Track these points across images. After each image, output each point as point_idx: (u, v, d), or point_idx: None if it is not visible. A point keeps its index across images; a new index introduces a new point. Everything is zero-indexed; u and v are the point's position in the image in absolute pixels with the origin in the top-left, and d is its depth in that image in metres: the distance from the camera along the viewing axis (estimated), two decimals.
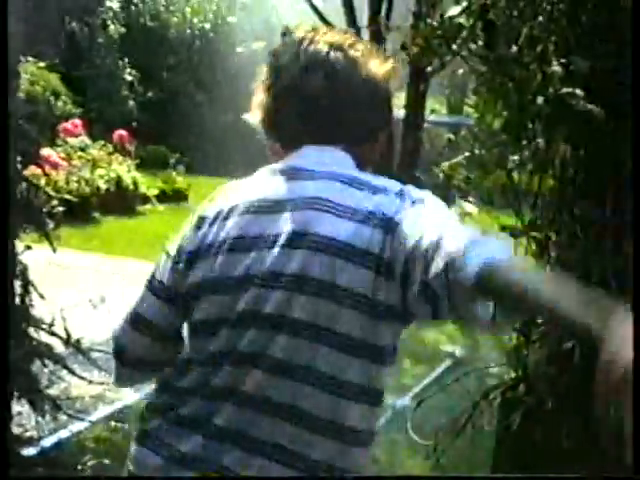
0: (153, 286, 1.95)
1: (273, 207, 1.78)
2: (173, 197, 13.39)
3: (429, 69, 9.01)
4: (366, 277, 1.66)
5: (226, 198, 1.89)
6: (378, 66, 1.89)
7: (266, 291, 1.71)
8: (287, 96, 1.89)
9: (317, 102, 1.84)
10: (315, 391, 1.69)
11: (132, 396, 5.24)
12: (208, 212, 1.89)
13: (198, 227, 1.90)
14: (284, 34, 2.08)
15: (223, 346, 1.76)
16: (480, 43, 3.15)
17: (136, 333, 2.00)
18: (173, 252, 1.95)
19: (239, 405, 1.73)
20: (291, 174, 1.84)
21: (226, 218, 1.83)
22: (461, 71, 3.39)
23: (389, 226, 1.66)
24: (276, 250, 1.72)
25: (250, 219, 1.79)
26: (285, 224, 1.74)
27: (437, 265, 1.51)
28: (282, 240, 1.72)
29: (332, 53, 1.86)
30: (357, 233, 1.67)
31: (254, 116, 2.02)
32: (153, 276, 1.97)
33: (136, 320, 1.98)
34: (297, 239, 1.71)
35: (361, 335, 1.70)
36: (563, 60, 3.01)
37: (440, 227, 1.58)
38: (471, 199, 6.02)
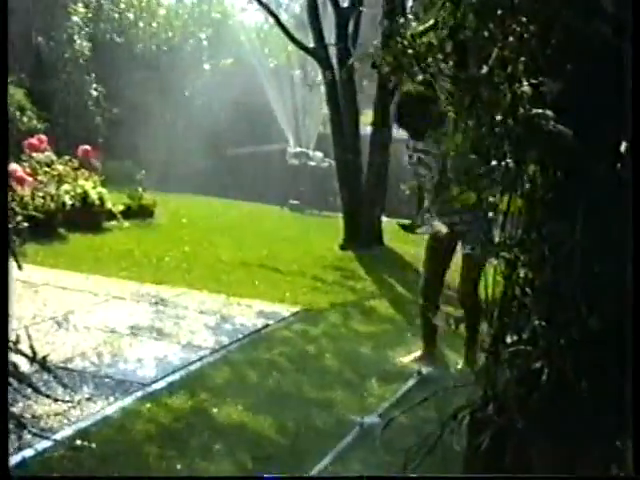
0: None
1: None
2: (139, 213, 13.37)
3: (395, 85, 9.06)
4: None
5: None
6: None
7: None
8: None
9: None
10: None
11: (97, 415, 5.20)
12: None
13: None
14: None
15: None
16: (450, 63, 3.17)
17: None
18: None
19: None
20: None
21: None
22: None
23: None
24: None
25: None
26: None
27: None
28: None
29: None
30: None
31: None
32: None
33: None
34: None
35: None
36: (533, 81, 3.03)
37: None
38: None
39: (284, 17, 20.03)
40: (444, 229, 6.09)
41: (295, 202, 18.82)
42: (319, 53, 12.81)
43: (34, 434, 4.37)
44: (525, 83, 3.05)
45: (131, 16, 22.03)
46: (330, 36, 13.02)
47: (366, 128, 13.16)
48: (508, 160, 3.11)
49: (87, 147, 13.17)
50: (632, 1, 2.91)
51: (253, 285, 9.21)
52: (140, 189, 13.78)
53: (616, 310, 3.00)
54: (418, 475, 3.42)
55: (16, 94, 14.92)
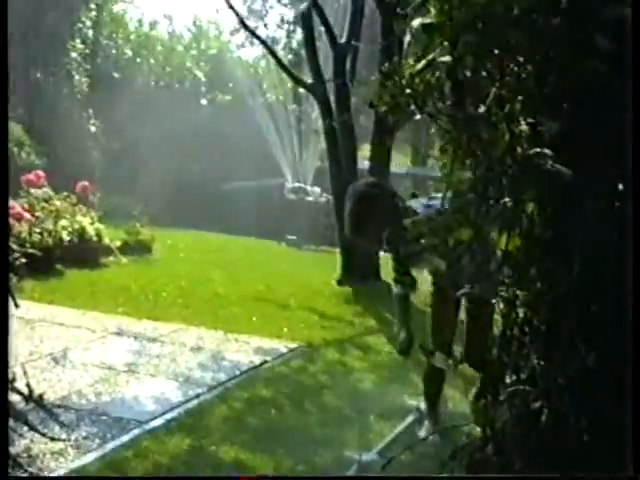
0: None
1: None
2: (137, 249, 13.37)
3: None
4: None
5: None
6: None
7: None
8: None
9: None
10: None
11: (94, 453, 5.18)
12: None
13: None
14: None
15: None
16: (448, 102, 3.18)
17: None
18: None
19: None
20: None
21: None
22: (433, 130, 3.40)
23: None
24: None
25: None
26: None
27: None
28: None
29: None
30: None
31: None
32: None
33: None
34: None
35: None
36: (531, 120, 3.04)
37: None
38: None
39: (281, 53, 20.16)
40: (443, 265, 5.98)
41: (292, 237, 18.84)
42: (317, 89, 12.85)
43: (30, 473, 4.35)
44: (523, 122, 3.06)
45: (129, 52, 22.16)
46: (327, 72, 13.08)
47: (364, 162, 13.20)
48: (506, 199, 3.11)
49: (85, 183, 13.18)
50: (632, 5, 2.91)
51: (250, 320, 9.20)
52: (138, 224, 13.80)
53: (615, 347, 2.99)
54: (418, 475, 3.39)
55: (15, 130, 14.94)
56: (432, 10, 3.21)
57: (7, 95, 2.77)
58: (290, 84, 18.72)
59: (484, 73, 3.14)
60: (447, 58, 3.15)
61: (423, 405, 6.18)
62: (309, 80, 13.30)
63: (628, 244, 2.92)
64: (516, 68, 3.09)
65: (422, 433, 5.65)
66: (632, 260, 2.91)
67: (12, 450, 4.01)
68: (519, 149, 3.04)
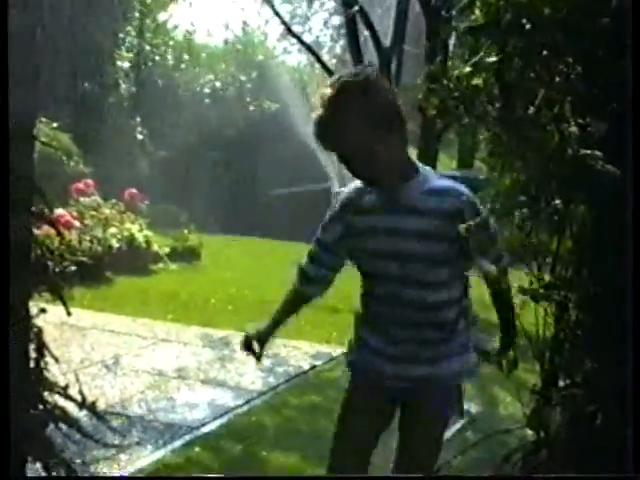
0: None
1: None
2: (185, 255, 13.42)
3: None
4: None
5: None
6: None
7: None
8: None
9: None
10: None
11: (146, 459, 5.20)
12: None
13: None
14: None
15: None
16: (497, 105, 3.16)
17: None
18: None
19: None
20: None
21: None
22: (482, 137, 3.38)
23: None
24: None
25: None
26: None
27: None
28: None
29: None
30: None
31: None
32: None
33: None
34: None
35: None
36: (580, 121, 3.02)
37: None
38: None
39: (326, 58, 20.16)
40: (493, 269, 5.93)
41: None
42: None
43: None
44: (572, 123, 3.04)
45: (173, 60, 22.27)
46: None
47: None
48: (556, 201, 3.09)
49: (133, 190, 13.29)
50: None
51: (299, 325, 9.18)
52: (185, 231, 13.87)
53: None
54: (418, 475, 3.36)
55: (63, 139, 15.08)
56: (477, 12, 3.20)
57: (7, 96, 2.79)
58: None
59: (532, 75, 3.12)
60: (494, 59, 3.14)
61: (474, 408, 6.14)
62: None
63: None
64: (565, 69, 3.07)
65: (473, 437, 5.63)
66: (632, 260, 2.88)
67: (66, 456, 4.03)
68: (569, 150, 3.02)
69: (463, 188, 2.96)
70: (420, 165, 3.12)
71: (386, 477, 3.46)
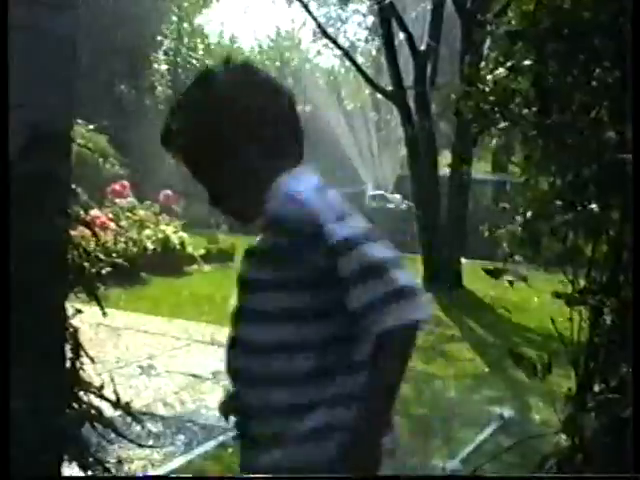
0: None
1: None
2: (219, 257, 13.45)
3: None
4: None
5: None
6: None
7: None
8: None
9: None
10: None
11: (180, 459, 5.22)
12: None
13: None
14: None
15: None
16: (534, 109, 3.15)
17: None
18: None
19: None
20: None
21: None
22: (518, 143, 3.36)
23: None
24: None
25: None
26: None
27: None
28: None
29: None
30: None
31: None
32: None
33: None
34: None
35: None
36: (618, 126, 3.01)
37: None
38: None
39: (360, 60, 20.17)
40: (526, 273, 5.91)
41: None
42: (397, 96, 12.84)
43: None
44: (609, 128, 3.03)
45: (209, 63, 22.35)
46: (407, 78, 13.05)
47: (444, 169, 13.16)
48: (593, 205, 3.07)
49: (168, 192, 13.35)
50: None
51: None
52: (218, 233, 13.90)
53: None
54: (418, 475, 3.35)
55: (99, 141, 15.17)
56: (512, 15, 3.19)
57: (7, 95, 2.81)
58: (368, 91, 18.68)
59: (570, 79, 3.11)
60: (529, 62, 3.13)
61: (506, 412, 6.12)
62: (388, 87, 13.29)
63: None
64: (602, 73, 3.06)
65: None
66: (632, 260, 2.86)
67: (101, 456, 4.06)
68: (606, 155, 3.01)
69: None
70: None
71: (389, 477, 3.45)
